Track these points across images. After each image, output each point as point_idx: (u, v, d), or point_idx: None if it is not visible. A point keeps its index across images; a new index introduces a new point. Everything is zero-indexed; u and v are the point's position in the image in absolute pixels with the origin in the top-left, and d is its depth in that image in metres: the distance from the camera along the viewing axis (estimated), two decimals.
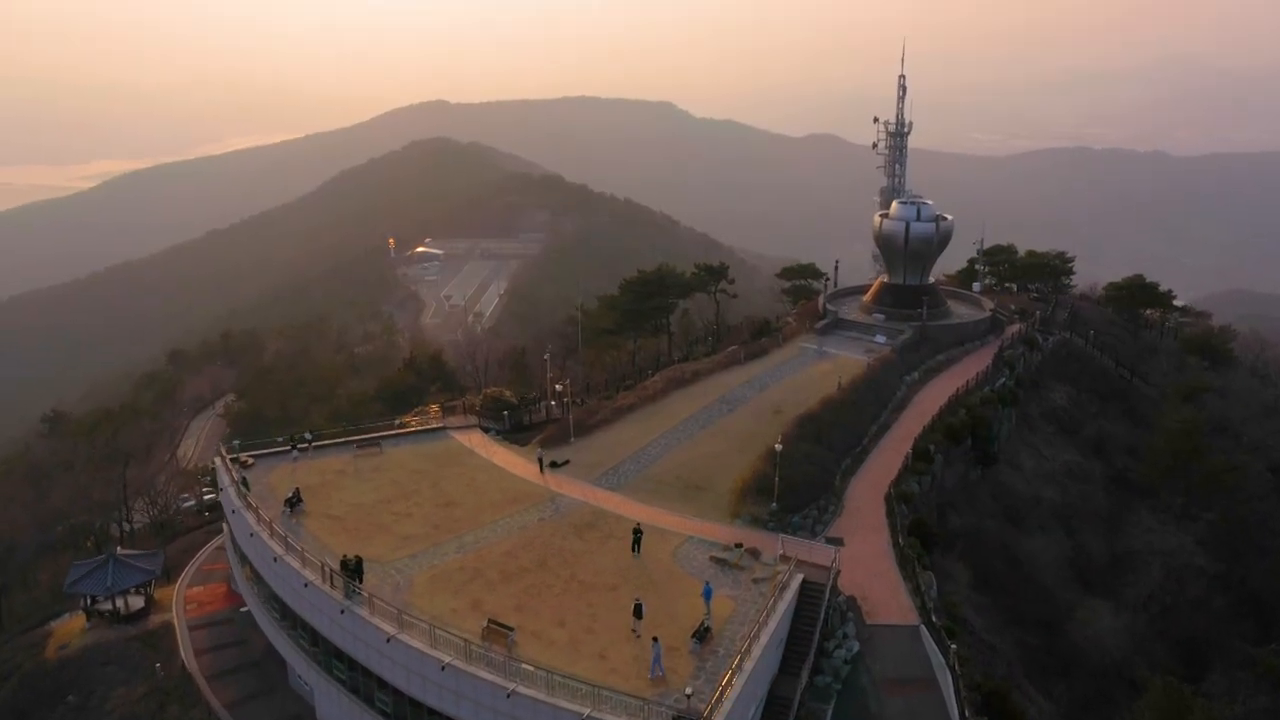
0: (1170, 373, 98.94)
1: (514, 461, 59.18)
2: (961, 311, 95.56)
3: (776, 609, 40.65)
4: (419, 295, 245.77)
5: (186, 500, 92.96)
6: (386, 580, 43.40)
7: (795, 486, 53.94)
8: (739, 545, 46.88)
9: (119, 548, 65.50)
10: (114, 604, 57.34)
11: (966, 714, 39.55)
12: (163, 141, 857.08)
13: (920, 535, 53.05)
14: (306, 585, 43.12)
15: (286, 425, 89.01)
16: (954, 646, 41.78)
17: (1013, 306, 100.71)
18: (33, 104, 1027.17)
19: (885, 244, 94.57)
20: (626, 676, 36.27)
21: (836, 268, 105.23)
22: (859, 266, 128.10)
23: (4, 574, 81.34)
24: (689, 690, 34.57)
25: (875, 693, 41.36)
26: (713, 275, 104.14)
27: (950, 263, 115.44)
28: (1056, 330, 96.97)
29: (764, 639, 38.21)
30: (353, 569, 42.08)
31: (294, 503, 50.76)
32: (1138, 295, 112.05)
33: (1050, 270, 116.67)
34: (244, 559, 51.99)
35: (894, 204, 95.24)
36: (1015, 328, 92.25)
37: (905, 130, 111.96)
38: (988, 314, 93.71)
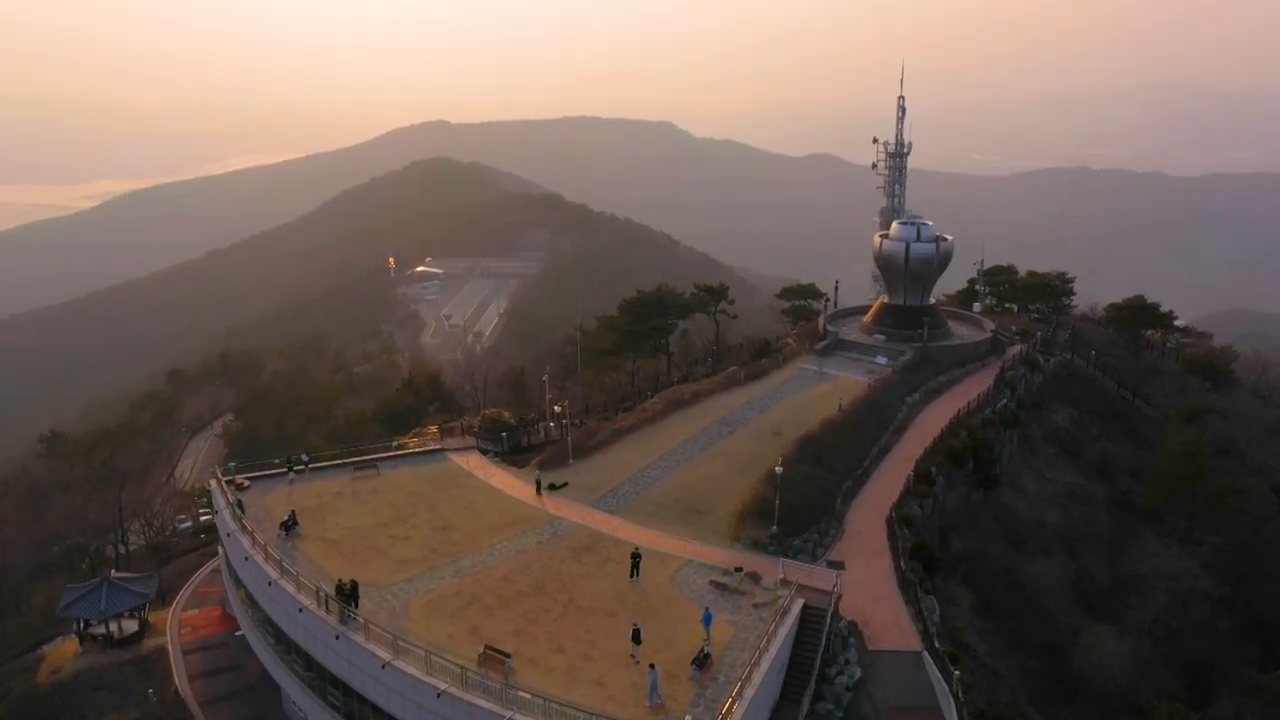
0: (1172, 394, 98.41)
1: (512, 484, 58.78)
2: (962, 332, 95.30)
3: (777, 634, 40.15)
4: (419, 314, 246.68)
5: (183, 522, 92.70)
6: (382, 605, 42.97)
7: (796, 509, 53.43)
8: (739, 569, 46.34)
9: (113, 571, 65.17)
10: (107, 628, 56.81)
11: None
12: (164, 161, 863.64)
13: (922, 559, 52.48)
14: (301, 610, 42.61)
15: (284, 445, 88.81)
16: (957, 673, 41.21)
17: (1013, 327, 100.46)
18: (34, 123, 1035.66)
19: (885, 264, 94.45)
20: (624, 704, 35.74)
21: (836, 288, 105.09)
22: (859, 287, 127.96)
23: None
24: (688, 718, 34.14)
25: None
26: (712, 295, 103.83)
27: (950, 283, 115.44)
28: (1058, 351, 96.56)
29: (765, 665, 37.72)
30: (348, 593, 41.57)
31: (289, 526, 50.43)
32: (1139, 316, 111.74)
33: (1051, 291, 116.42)
34: (239, 582, 51.52)
35: (894, 224, 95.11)
36: (1016, 349, 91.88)
37: (905, 150, 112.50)
38: (989, 335, 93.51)
